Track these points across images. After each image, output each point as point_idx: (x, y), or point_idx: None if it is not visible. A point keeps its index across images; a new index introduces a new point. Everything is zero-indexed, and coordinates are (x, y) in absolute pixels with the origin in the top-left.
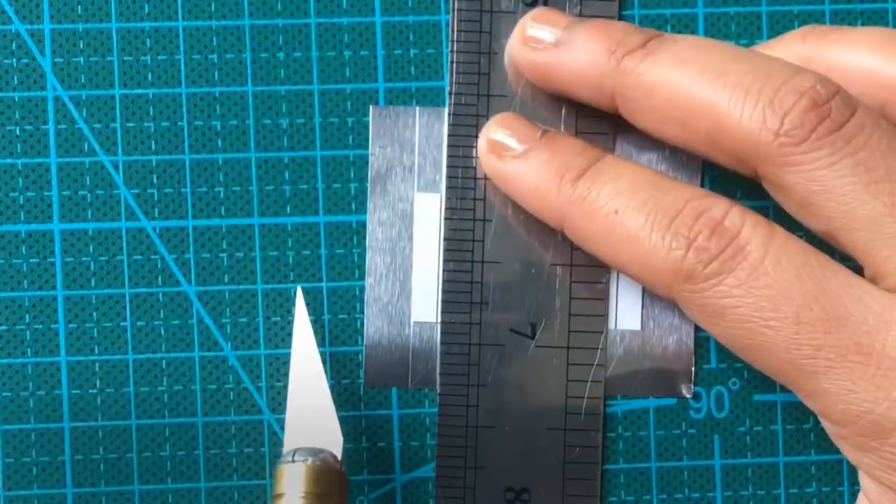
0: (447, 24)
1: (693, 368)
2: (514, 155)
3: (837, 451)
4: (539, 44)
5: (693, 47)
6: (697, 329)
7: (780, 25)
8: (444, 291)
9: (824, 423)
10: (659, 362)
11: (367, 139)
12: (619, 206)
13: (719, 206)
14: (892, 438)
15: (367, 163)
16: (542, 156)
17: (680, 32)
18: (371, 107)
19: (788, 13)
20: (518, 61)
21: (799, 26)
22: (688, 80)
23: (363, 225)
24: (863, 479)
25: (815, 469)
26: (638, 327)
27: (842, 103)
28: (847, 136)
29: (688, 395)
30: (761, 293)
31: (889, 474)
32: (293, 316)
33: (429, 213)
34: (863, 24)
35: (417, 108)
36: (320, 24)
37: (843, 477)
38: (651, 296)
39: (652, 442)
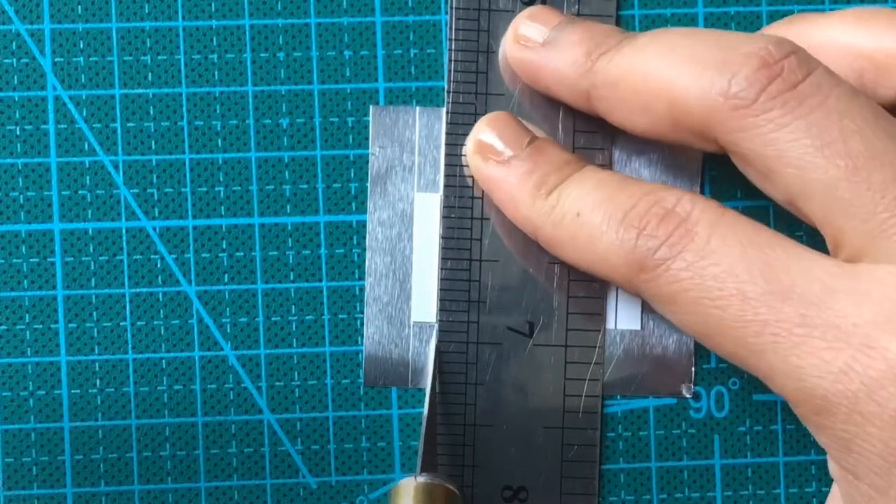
0: (447, 24)
1: (693, 368)
2: (497, 160)
3: None
4: (528, 42)
5: (652, 35)
6: None
7: None
8: (442, 290)
9: (791, 406)
10: (659, 362)
11: (367, 139)
12: (581, 209)
13: (672, 196)
14: (840, 415)
15: (367, 163)
16: (524, 166)
17: (624, 32)
18: (371, 107)
19: (788, 13)
20: (509, 58)
21: None
22: (645, 65)
23: (363, 225)
24: (828, 460)
25: (815, 469)
26: (638, 327)
27: (796, 63)
28: (800, 97)
29: (688, 395)
30: (708, 272)
31: (843, 455)
32: (293, 316)
33: (429, 213)
34: None
35: (417, 108)
36: (320, 24)
37: None
38: None
39: (652, 442)
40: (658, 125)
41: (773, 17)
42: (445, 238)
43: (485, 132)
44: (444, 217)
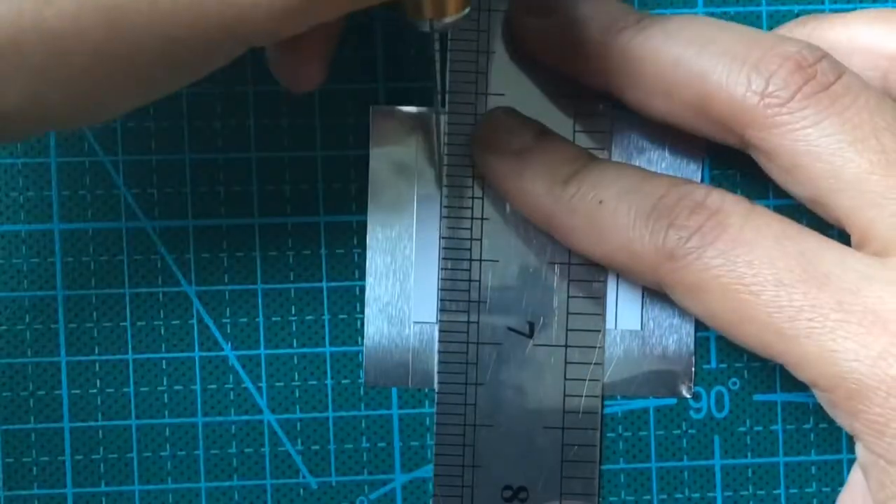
0: None
1: (693, 368)
2: (507, 152)
3: (837, 451)
4: (539, 11)
5: (682, 20)
6: (697, 329)
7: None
8: (442, 290)
9: (816, 394)
10: (659, 362)
11: (367, 139)
12: (603, 197)
13: (701, 189)
14: (877, 398)
15: (367, 163)
16: (537, 156)
17: (640, 11)
18: (371, 107)
19: (788, 13)
20: (516, 27)
21: None
22: (676, 51)
23: (363, 225)
24: (857, 447)
25: (815, 469)
26: (638, 327)
27: (828, 66)
28: (833, 96)
29: (688, 395)
30: (742, 259)
31: (877, 439)
32: (293, 316)
33: (429, 213)
34: None
35: (417, 108)
36: None
37: (843, 477)
38: (651, 295)
39: (652, 442)
40: (678, 111)
41: (773, 16)
42: (445, 238)
43: (492, 126)
44: (444, 217)
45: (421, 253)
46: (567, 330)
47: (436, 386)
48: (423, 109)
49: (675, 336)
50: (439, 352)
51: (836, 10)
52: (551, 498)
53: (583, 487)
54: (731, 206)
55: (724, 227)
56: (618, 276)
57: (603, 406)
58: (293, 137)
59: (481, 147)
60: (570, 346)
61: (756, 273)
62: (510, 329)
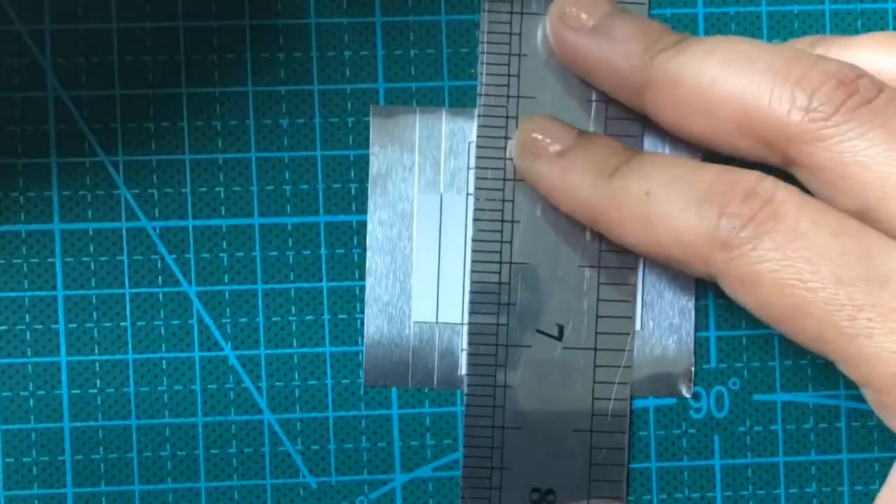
0: (447, 24)
1: (693, 368)
2: (550, 155)
3: (837, 451)
4: (577, 23)
5: (721, 40)
6: (697, 329)
7: (781, 25)
8: (471, 293)
9: (866, 394)
10: (659, 362)
11: (367, 139)
12: (651, 188)
13: (751, 176)
14: None
15: (367, 163)
16: (580, 155)
17: (680, 33)
18: (371, 107)
19: (788, 13)
20: (551, 36)
21: (799, 26)
22: (714, 69)
23: (363, 225)
24: None
25: (815, 469)
26: (638, 327)
27: (869, 82)
28: (875, 110)
29: (688, 395)
30: (799, 254)
31: None
32: (293, 316)
33: (429, 213)
34: (862, 24)
35: (417, 108)
36: (320, 24)
37: (843, 477)
38: (651, 296)
39: (652, 442)
40: (716, 130)
41: (773, 17)
42: (476, 241)
43: (531, 131)
44: (475, 220)
45: (421, 253)
46: (596, 333)
47: (465, 388)
48: (423, 109)
49: (675, 336)
50: (468, 354)
51: (835, 11)
52: (579, 500)
53: (611, 490)
54: (784, 195)
55: (779, 218)
56: None
57: (632, 409)
58: (293, 137)
59: (523, 149)
60: (599, 350)
61: (815, 270)
62: (539, 332)
